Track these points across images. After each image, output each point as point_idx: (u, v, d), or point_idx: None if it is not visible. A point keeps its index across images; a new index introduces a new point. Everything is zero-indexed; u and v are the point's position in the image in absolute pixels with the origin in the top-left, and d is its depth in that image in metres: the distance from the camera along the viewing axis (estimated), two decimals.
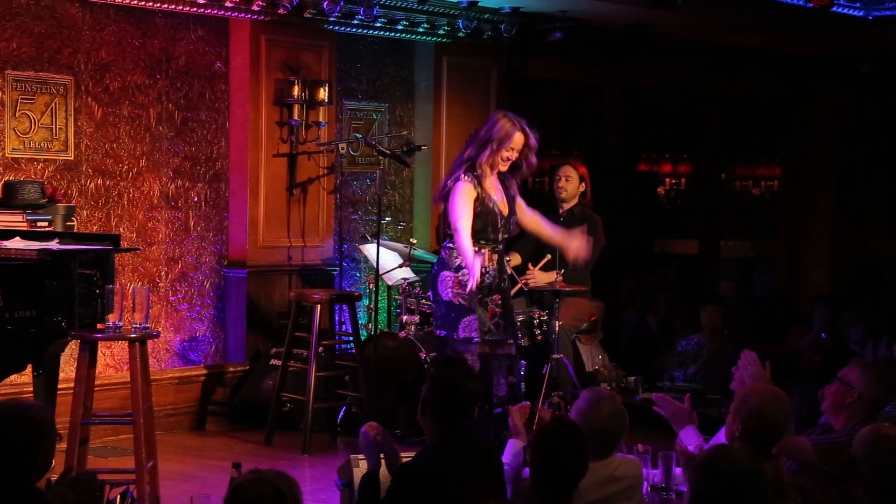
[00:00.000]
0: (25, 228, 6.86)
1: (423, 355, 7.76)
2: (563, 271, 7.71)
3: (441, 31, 9.56)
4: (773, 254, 14.20)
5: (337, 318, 8.56)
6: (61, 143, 7.83)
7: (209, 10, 8.31)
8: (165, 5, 8.13)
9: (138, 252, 8.12)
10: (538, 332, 7.75)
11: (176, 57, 8.38)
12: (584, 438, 4.20)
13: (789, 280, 13.79)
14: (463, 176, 6.72)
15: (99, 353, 6.56)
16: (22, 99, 7.64)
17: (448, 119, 9.79)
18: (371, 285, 8.61)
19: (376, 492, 4.49)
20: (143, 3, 8.03)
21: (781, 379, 5.29)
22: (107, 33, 8.02)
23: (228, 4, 8.27)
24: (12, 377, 6.21)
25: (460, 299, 6.70)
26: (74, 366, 6.16)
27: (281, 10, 8.44)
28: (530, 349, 7.73)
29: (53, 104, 7.76)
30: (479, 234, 6.71)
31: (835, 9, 10.13)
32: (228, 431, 8.22)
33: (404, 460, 4.57)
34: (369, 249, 8.57)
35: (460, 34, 9.62)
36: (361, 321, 8.73)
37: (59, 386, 6.27)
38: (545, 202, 8.34)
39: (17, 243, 6.26)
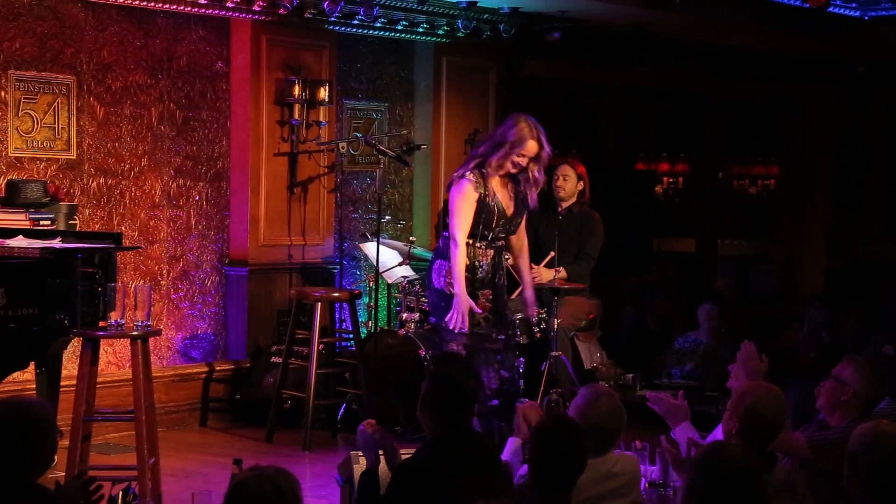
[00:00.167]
0: (28, 227, 6.89)
1: (422, 353, 7.79)
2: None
3: (440, 32, 9.58)
4: (770, 253, 14.20)
5: (337, 315, 8.61)
6: (64, 142, 7.86)
7: (210, 11, 8.34)
8: (167, 6, 8.15)
9: (140, 250, 8.14)
10: (537, 329, 7.78)
11: (177, 57, 8.41)
12: (583, 435, 4.23)
13: (786, 279, 13.81)
14: (469, 173, 6.73)
15: (101, 350, 6.60)
16: (25, 98, 7.67)
17: (447, 118, 9.81)
18: (371, 283, 8.66)
19: (376, 488, 4.51)
20: (144, 3, 8.06)
21: (778, 376, 5.32)
22: (109, 33, 8.05)
23: (229, 5, 8.29)
24: (15, 374, 6.24)
25: (451, 289, 6.73)
26: (77, 363, 6.21)
27: (281, 11, 8.46)
28: (529, 347, 7.76)
29: (56, 104, 7.79)
30: (472, 231, 6.74)
31: (831, 9, 10.17)
32: (229, 428, 8.25)
33: (404, 457, 4.59)
34: (369, 248, 8.62)
35: (459, 34, 9.64)
36: (362, 319, 8.76)
37: (62, 383, 6.29)
38: (544, 201, 8.36)
39: (19, 242, 6.30)
